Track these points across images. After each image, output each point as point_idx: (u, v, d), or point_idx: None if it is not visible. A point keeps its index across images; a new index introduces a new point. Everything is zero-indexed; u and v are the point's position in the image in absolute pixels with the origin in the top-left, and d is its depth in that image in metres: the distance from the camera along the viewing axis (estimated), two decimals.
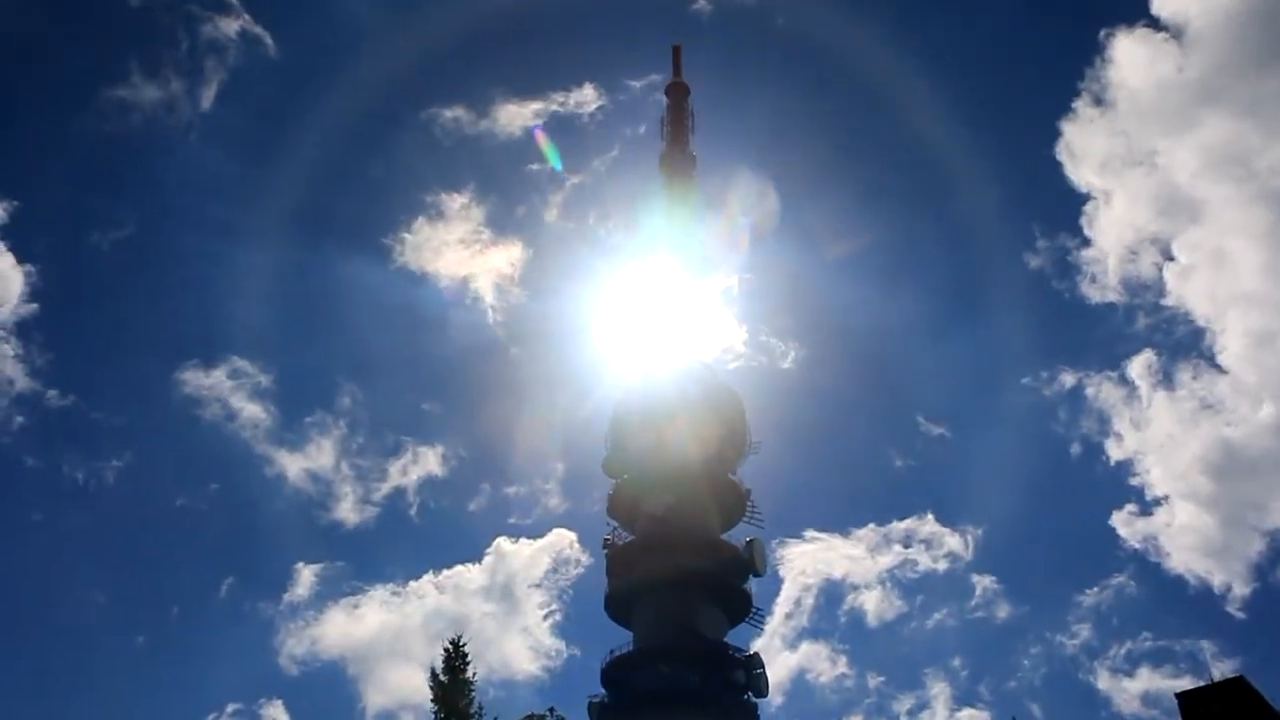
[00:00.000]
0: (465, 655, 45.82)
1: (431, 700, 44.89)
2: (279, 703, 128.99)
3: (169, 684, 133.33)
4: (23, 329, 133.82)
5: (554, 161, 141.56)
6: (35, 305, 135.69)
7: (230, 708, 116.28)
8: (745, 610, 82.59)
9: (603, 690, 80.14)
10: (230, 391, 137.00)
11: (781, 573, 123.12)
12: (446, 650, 45.91)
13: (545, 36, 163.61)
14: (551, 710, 61.25)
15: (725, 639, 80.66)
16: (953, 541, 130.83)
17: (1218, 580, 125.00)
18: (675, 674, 76.96)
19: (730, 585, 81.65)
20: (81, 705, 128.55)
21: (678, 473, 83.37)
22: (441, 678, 45.14)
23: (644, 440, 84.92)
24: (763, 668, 79.57)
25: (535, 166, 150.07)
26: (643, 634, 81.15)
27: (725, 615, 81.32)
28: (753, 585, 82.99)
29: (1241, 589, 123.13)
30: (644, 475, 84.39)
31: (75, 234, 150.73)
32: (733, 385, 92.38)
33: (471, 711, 44.84)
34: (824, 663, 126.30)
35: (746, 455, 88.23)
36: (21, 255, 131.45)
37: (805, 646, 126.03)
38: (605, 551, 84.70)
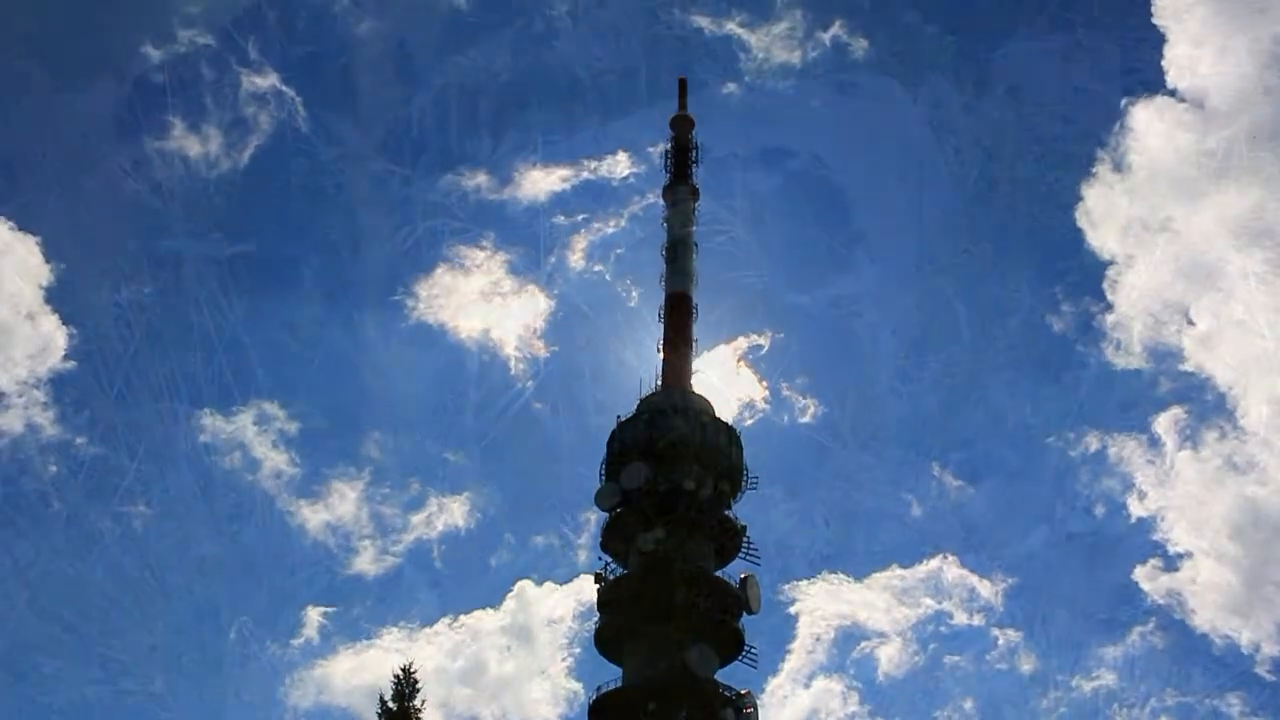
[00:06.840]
0: (415, 683, 45.35)
1: None
2: None
3: None
4: (58, 384, 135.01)
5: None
6: (74, 363, 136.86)
7: None
8: (738, 648, 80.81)
9: None
10: (254, 438, 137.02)
11: (793, 611, 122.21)
12: (396, 678, 45.47)
13: (578, 109, 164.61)
14: None
15: (716, 677, 78.91)
16: (984, 589, 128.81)
17: (1245, 639, 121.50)
18: (662, 712, 75.35)
19: (722, 623, 79.95)
20: None
21: (671, 506, 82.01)
22: (390, 705, 44.68)
23: (638, 472, 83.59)
24: (754, 707, 77.85)
25: (561, 219, 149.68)
26: (632, 671, 79.72)
27: (716, 653, 79.56)
28: (745, 624, 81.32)
29: (1271, 649, 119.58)
30: (637, 508, 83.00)
31: (110, 289, 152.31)
32: (740, 430, 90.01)
33: None
34: (834, 700, 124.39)
35: (744, 491, 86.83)
36: (65, 316, 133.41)
37: (818, 685, 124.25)
38: (597, 587, 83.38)
